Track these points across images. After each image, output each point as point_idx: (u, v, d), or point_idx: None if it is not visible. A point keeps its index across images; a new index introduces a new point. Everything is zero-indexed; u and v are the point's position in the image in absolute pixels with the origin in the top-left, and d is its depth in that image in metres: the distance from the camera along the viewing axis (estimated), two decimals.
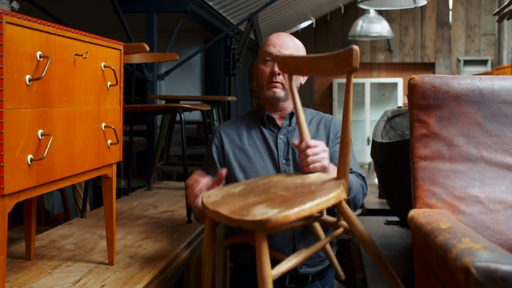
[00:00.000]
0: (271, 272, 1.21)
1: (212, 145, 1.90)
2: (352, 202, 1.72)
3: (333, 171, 1.57)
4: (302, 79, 1.85)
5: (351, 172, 1.72)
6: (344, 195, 1.34)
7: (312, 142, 1.55)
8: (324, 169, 1.54)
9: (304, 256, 1.36)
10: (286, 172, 1.77)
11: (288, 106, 1.85)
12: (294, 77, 1.76)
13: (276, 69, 1.75)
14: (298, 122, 1.58)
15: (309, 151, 1.54)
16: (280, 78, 1.77)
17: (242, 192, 1.46)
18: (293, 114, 1.85)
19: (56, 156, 1.41)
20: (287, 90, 1.80)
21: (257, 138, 1.85)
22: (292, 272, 1.75)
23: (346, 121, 1.40)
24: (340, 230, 1.52)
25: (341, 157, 1.44)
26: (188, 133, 6.08)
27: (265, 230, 1.18)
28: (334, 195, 1.30)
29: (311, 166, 1.54)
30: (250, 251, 1.75)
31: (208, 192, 1.53)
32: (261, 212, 1.19)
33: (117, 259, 1.87)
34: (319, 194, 1.30)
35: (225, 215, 1.24)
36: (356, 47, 1.32)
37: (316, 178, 1.51)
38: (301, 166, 1.58)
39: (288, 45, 1.78)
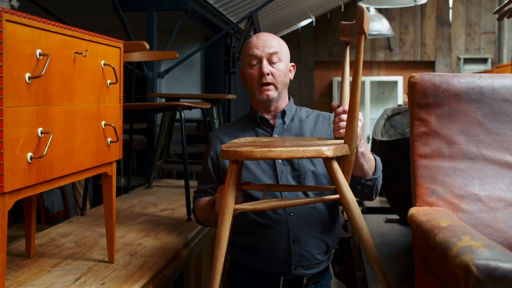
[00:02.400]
0: (233, 204, 1.37)
1: (207, 158, 1.88)
2: (376, 185, 1.71)
3: (365, 146, 1.60)
4: (291, 75, 1.84)
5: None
6: (329, 153, 1.33)
7: None
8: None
9: (279, 205, 1.45)
10: (282, 172, 1.76)
11: (281, 104, 1.83)
12: (286, 70, 1.79)
13: (265, 69, 1.72)
14: (341, 87, 1.58)
15: (343, 116, 1.55)
16: (270, 78, 1.74)
17: (266, 141, 1.56)
18: (285, 112, 1.83)
19: (56, 154, 1.41)
20: (278, 89, 1.78)
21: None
22: (286, 274, 1.73)
23: (355, 84, 1.38)
24: (335, 196, 1.49)
25: (349, 122, 1.43)
26: (188, 131, 6.07)
27: (235, 161, 1.37)
28: (313, 149, 1.32)
29: (341, 131, 1.54)
30: (246, 251, 1.75)
31: (240, 139, 1.67)
32: (240, 148, 1.34)
33: (117, 257, 1.87)
34: (303, 145, 1.34)
35: (222, 148, 1.41)
36: (360, 6, 1.28)
37: (333, 141, 1.50)
38: (333, 130, 1.59)
39: (271, 43, 1.75)
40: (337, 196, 1.44)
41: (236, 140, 1.62)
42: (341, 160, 1.48)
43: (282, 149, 1.29)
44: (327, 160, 1.39)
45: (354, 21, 1.47)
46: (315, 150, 1.31)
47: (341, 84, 1.60)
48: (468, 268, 0.89)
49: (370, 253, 1.42)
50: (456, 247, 0.96)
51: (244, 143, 1.51)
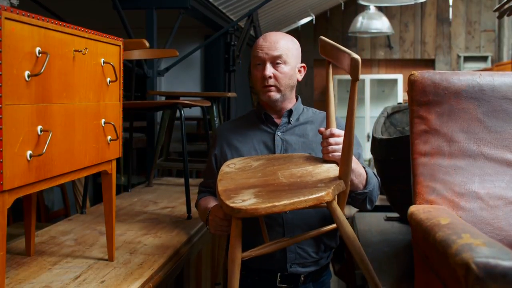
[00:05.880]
0: (241, 254, 1.41)
1: (212, 155, 1.91)
2: (368, 197, 1.70)
3: (355, 161, 1.59)
4: (299, 75, 1.83)
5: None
6: (328, 198, 1.35)
7: (336, 131, 1.57)
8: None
9: (282, 245, 1.52)
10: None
11: (287, 105, 1.84)
12: (291, 72, 1.77)
13: (267, 72, 1.74)
14: (327, 109, 1.59)
15: (331, 140, 1.56)
16: (271, 81, 1.75)
17: (257, 167, 1.59)
18: (291, 112, 1.84)
19: (55, 152, 1.41)
20: (282, 91, 1.78)
21: (255, 137, 1.84)
22: (283, 271, 1.74)
23: (349, 126, 1.39)
24: (333, 226, 1.55)
25: (343, 158, 1.44)
26: (188, 129, 6.07)
27: (239, 218, 1.36)
28: (314, 197, 1.33)
29: (330, 154, 1.56)
30: (242, 248, 1.74)
31: (232, 159, 1.71)
32: (242, 199, 1.35)
33: (117, 255, 1.87)
34: (304, 193, 1.35)
35: (219, 191, 1.45)
36: (356, 58, 1.29)
37: (325, 170, 1.52)
38: (322, 152, 1.60)
39: (276, 45, 1.75)
40: (335, 225, 1.50)
41: (225, 168, 1.64)
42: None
43: (286, 202, 1.31)
44: (326, 202, 1.41)
45: (329, 41, 1.51)
46: (316, 198, 1.33)
47: (326, 105, 1.59)
48: (468, 266, 0.89)
49: (373, 282, 1.46)
50: (456, 245, 0.96)
51: (234, 173, 1.58)
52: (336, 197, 1.46)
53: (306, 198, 1.32)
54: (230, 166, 1.65)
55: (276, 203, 1.30)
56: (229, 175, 1.57)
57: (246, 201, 1.34)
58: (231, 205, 1.33)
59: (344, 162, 1.44)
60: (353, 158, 1.57)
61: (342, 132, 1.55)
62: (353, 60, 1.30)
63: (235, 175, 1.57)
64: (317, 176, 1.48)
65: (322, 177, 1.47)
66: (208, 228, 1.79)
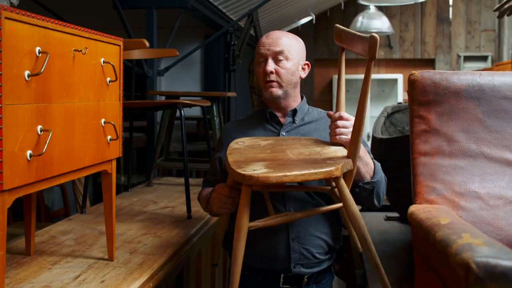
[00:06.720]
0: (248, 222, 1.42)
1: (216, 156, 1.92)
2: (376, 190, 1.71)
3: (362, 150, 1.62)
4: (303, 73, 1.83)
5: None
6: (337, 173, 1.39)
7: (345, 114, 1.61)
8: (348, 143, 1.58)
9: (287, 219, 1.53)
10: None
11: (291, 103, 1.84)
12: (293, 69, 1.78)
13: (268, 68, 1.75)
14: (337, 93, 1.63)
15: (339, 122, 1.60)
16: (273, 76, 1.76)
17: (265, 146, 1.63)
18: (295, 111, 1.84)
19: (55, 152, 1.41)
20: (284, 87, 1.79)
21: (260, 136, 1.84)
22: (286, 272, 1.74)
23: (362, 105, 1.43)
24: (339, 205, 1.56)
25: (353, 137, 1.47)
26: (188, 129, 6.07)
27: (250, 185, 1.38)
28: (324, 170, 1.37)
29: (337, 137, 1.60)
30: (245, 248, 1.75)
31: (240, 138, 1.73)
32: (253, 169, 1.37)
33: (117, 254, 1.87)
34: (314, 166, 1.39)
35: (229, 162, 1.46)
36: (375, 36, 1.33)
37: (333, 151, 1.56)
38: (329, 135, 1.64)
39: (278, 42, 1.76)
40: (341, 204, 1.51)
41: (234, 144, 1.66)
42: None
43: (296, 173, 1.34)
44: (335, 178, 1.45)
45: (344, 28, 1.54)
46: (326, 172, 1.38)
47: (337, 90, 1.62)
48: (468, 265, 0.89)
49: (376, 264, 1.48)
50: (456, 245, 0.96)
51: (243, 149, 1.59)
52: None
53: (317, 171, 1.36)
54: (239, 144, 1.67)
55: (288, 173, 1.33)
56: (238, 150, 1.59)
57: (257, 170, 1.37)
58: (243, 172, 1.35)
59: (353, 141, 1.47)
60: (362, 147, 1.61)
61: (350, 117, 1.60)
62: (372, 38, 1.33)
63: (244, 150, 1.59)
64: (325, 155, 1.52)
65: (331, 156, 1.51)
66: (208, 205, 1.79)
